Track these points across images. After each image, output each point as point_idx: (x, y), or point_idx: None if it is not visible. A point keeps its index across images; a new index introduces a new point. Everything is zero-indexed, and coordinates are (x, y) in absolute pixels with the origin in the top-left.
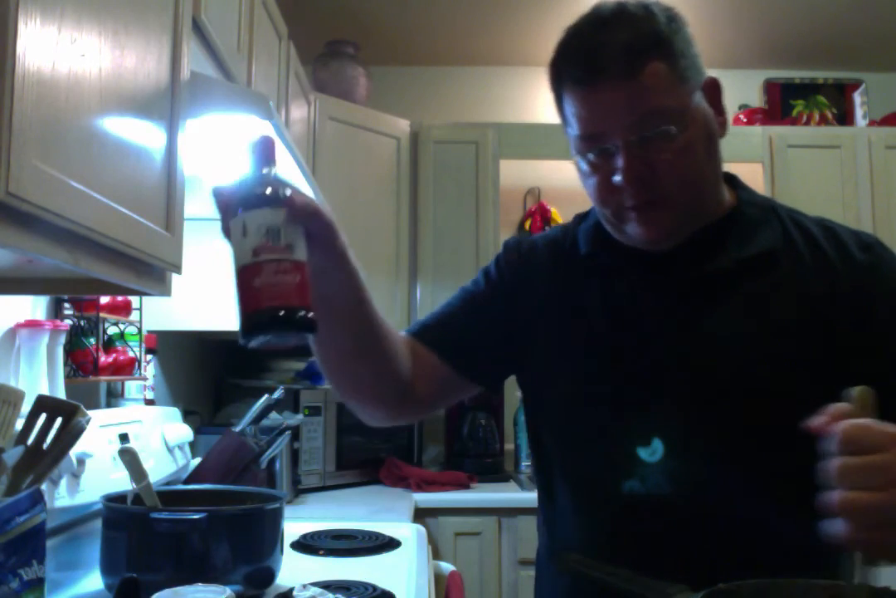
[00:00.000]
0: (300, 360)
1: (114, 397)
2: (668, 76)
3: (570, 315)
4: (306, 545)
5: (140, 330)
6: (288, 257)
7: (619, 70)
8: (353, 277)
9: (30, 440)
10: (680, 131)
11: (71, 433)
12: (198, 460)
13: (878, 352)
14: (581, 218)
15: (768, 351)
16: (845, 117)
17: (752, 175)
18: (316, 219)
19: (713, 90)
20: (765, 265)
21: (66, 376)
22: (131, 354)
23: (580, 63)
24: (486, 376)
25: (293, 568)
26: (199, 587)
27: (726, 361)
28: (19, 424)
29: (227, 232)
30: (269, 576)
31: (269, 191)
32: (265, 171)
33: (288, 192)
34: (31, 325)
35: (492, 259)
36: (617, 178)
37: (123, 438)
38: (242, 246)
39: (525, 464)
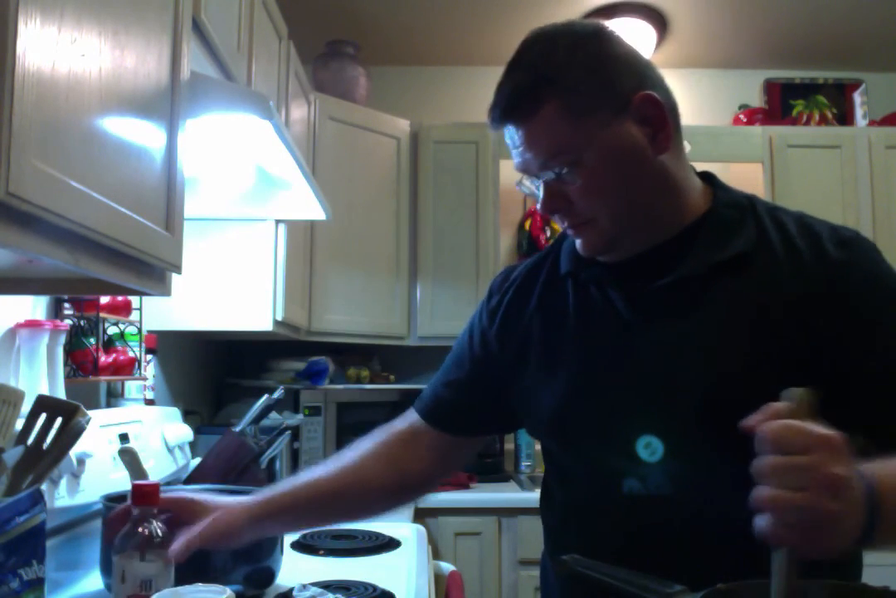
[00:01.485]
0: (300, 360)
1: (114, 397)
2: (562, 115)
3: (560, 326)
4: (306, 545)
5: (140, 330)
6: None
7: (516, 115)
8: (277, 528)
9: (30, 440)
10: (582, 166)
11: (71, 433)
12: (198, 460)
13: (855, 351)
14: (564, 236)
15: (746, 352)
16: (845, 117)
17: (752, 175)
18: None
19: (646, 107)
20: (738, 267)
21: (66, 376)
22: (131, 354)
23: (492, 106)
24: (506, 427)
25: (293, 568)
26: (199, 587)
27: (708, 363)
28: (19, 424)
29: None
30: (269, 576)
31: (143, 544)
32: (144, 522)
33: (161, 539)
34: (31, 325)
35: (479, 306)
36: (538, 207)
37: (123, 438)
38: (121, 589)
39: (525, 464)
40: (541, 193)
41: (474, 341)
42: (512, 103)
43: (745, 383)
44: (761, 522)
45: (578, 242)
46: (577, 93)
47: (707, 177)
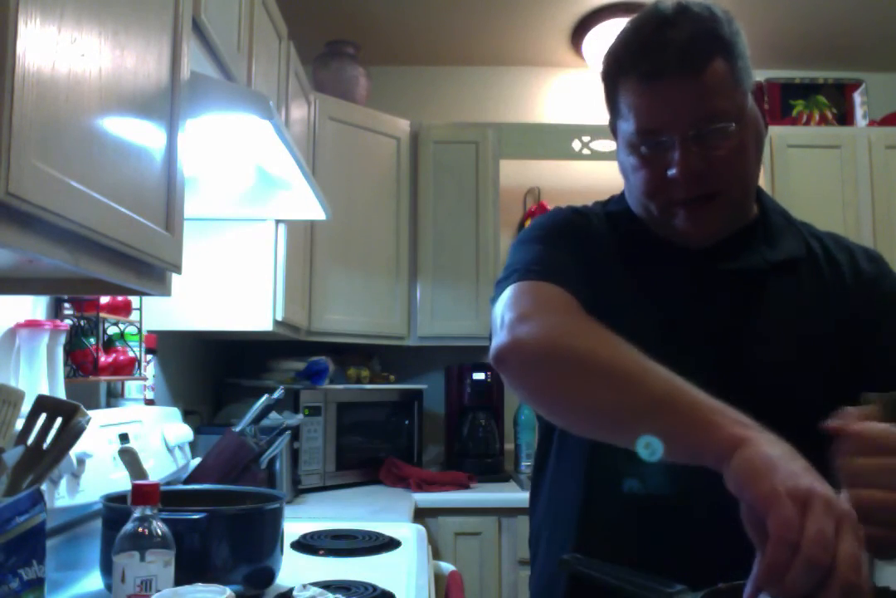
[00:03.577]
0: (300, 360)
1: (114, 397)
2: (728, 77)
3: (614, 292)
4: (306, 545)
5: (140, 330)
6: None
7: (683, 68)
8: None
9: (30, 440)
10: (737, 129)
11: (71, 433)
12: (198, 460)
13: (883, 362)
14: (604, 204)
15: (787, 355)
16: (845, 117)
17: None
18: None
19: (759, 94)
20: (788, 270)
21: (66, 376)
22: (131, 354)
23: (645, 59)
24: None
25: (293, 568)
26: (199, 587)
27: (745, 360)
28: (19, 424)
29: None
30: (269, 576)
31: (143, 544)
32: (144, 522)
33: (161, 539)
34: (31, 325)
35: (563, 215)
36: (672, 171)
37: (123, 438)
38: (121, 589)
39: (525, 464)
40: (675, 156)
41: (569, 235)
42: (677, 57)
43: (770, 384)
44: None
45: (687, 225)
46: (739, 59)
47: None
